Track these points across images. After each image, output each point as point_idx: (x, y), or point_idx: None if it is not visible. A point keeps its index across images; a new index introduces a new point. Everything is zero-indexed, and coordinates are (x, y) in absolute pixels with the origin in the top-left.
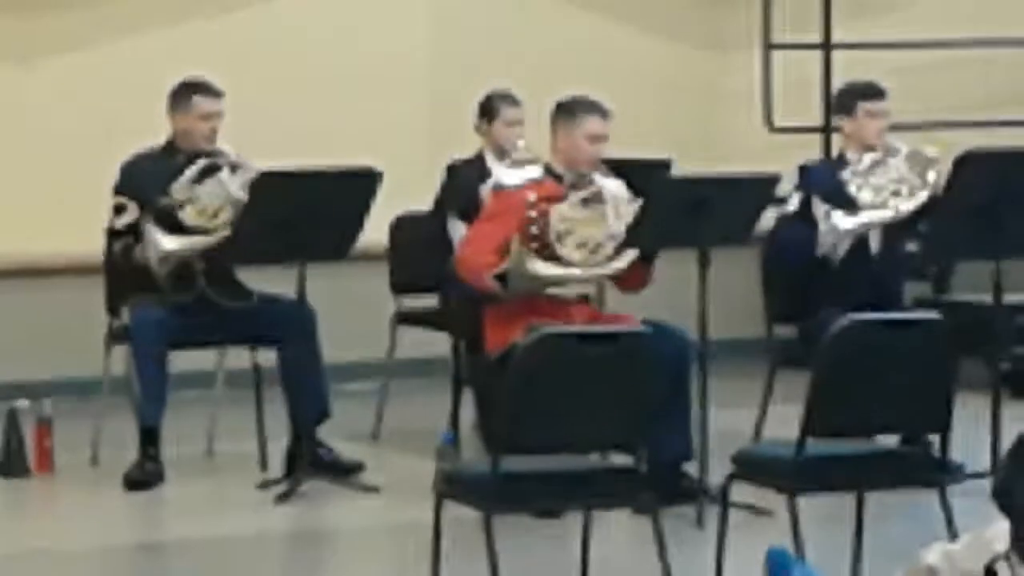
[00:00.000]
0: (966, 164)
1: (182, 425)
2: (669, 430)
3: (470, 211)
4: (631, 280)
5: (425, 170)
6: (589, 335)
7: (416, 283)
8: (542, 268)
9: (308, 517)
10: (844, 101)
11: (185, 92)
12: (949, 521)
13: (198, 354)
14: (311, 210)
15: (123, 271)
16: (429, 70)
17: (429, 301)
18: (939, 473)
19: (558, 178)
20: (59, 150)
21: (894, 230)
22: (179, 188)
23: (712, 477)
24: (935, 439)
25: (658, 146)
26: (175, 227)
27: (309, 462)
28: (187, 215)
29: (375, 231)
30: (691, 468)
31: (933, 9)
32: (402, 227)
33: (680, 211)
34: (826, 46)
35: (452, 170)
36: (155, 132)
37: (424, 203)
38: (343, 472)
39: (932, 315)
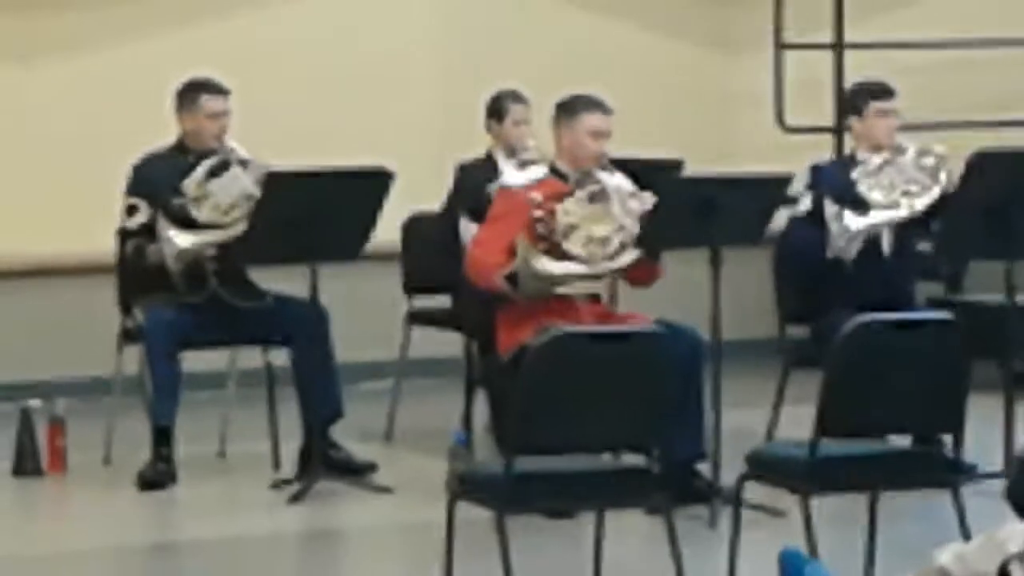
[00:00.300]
0: (979, 164)
1: (195, 425)
2: (682, 430)
3: (480, 211)
4: (640, 275)
5: (437, 170)
6: (601, 335)
7: (428, 283)
8: (549, 266)
9: (321, 517)
10: (854, 101)
11: (192, 92)
12: (962, 522)
13: (211, 354)
14: (323, 210)
15: (136, 271)
16: (440, 70)
17: (442, 301)
18: (952, 474)
19: (563, 176)
20: (67, 150)
21: (906, 230)
22: (191, 185)
23: (725, 477)
24: (948, 439)
25: (670, 147)
26: (188, 224)
27: (322, 462)
28: (201, 212)
29: (387, 231)
30: (704, 468)
31: (945, 9)
32: (414, 227)
33: (692, 211)
34: (838, 46)
35: (462, 170)
36: (161, 132)
37: (436, 203)
38: (356, 472)
39: (945, 315)
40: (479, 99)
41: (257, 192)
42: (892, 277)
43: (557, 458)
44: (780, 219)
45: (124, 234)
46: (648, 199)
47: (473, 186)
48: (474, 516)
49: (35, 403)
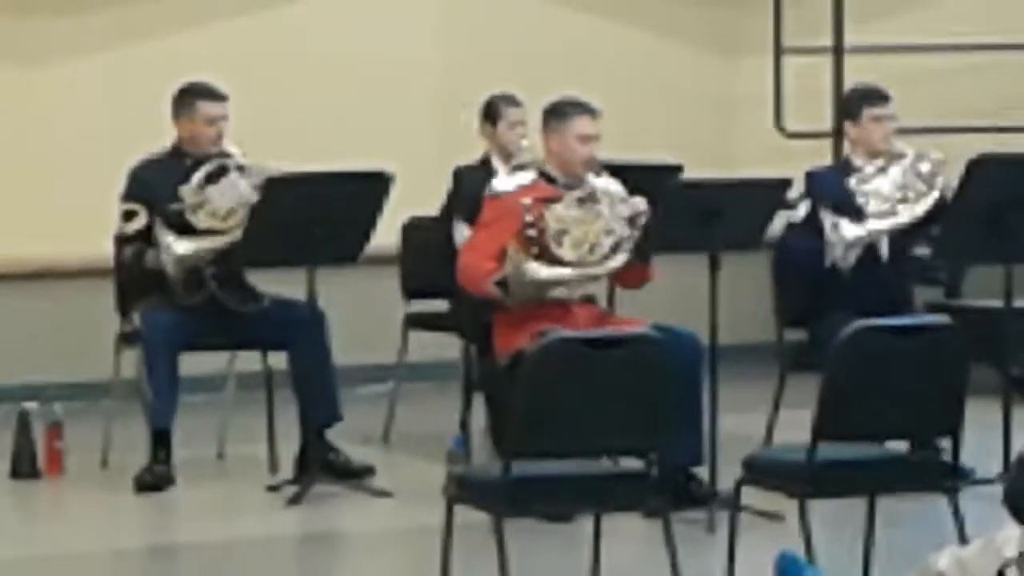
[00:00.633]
0: (978, 169)
1: (193, 428)
2: (679, 434)
3: (476, 216)
4: (630, 277)
5: (437, 173)
6: (599, 340)
7: (427, 287)
8: (539, 271)
9: (318, 520)
10: (849, 106)
11: (188, 97)
12: (960, 526)
13: (209, 357)
14: (322, 213)
15: (134, 276)
16: (440, 73)
17: (440, 305)
18: (950, 478)
19: (552, 181)
20: (67, 153)
21: (904, 235)
22: (189, 192)
23: (723, 481)
24: (946, 444)
25: (669, 151)
26: (186, 230)
27: (319, 466)
28: (199, 218)
29: (386, 234)
30: (702, 472)
31: (944, 13)
32: (413, 230)
33: (691, 216)
34: (837, 50)
35: (458, 175)
36: (161, 136)
37: (435, 207)
38: (354, 476)
39: (942, 320)
40: (479, 103)
41: (255, 198)
42: (890, 282)
43: (555, 462)
44: (779, 223)
45: (122, 239)
46: (639, 203)
47: (469, 191)
48: (472, 520)
49: (33, 406)
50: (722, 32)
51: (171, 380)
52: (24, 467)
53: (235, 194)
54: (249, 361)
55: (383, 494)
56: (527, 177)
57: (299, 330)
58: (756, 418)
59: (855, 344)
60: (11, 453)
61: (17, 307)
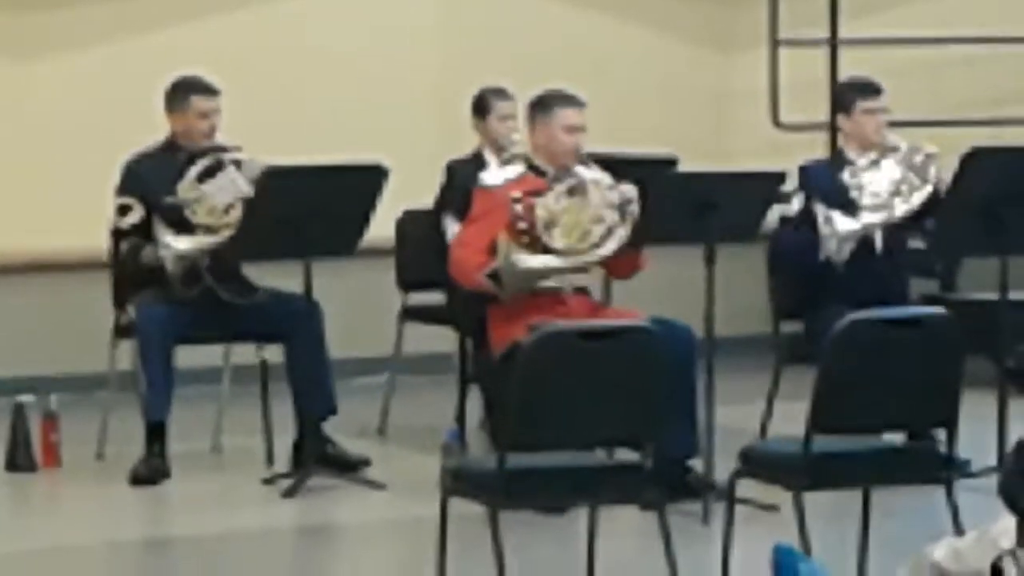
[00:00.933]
0: (973, 161)
1: (188, 421)
2: (675, 426)
3: (467, 209)
4: (621, 266)
5: (433, 166)
6: (594, 332)
7: (423, 279)
8: (529, 260)
9: (314, 513)
10: (841, 99)
11: (181, 91)
12: (955, 518)
13: (204, 350)
14: (318, 206)
15: (130, 271)
16: (435, 66)
17: (436, 297)
18: (945, 470)
19: (541, 173)
20: (63, 146)
21: (898, 228)
22: (186, 187)
23: (718, 473)
24: (941, 435)
25: (664, 143)
26: (183, 226)
27: (315, 458)
28: (197, 214)
29: (382, 227)
30: (697, 464)
31: (940, 6)
32: (409, 223)
33: (686, 208)
34: (833, 43)
35: (450, 169)
36: (158, 129)
37: (431, 199)
38: (349, 468)
39: (938, 312)
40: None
41: (250, 192)
42: (885, 274)
43: (550, 454)
44: (775, 216)
45: (118, 233)
46: (628, 190)
47: (461, 185)
48: (467, 512)
49: (29, 398)
50: (717, 25)
51: (166, 373)
52: (20, 459)
53: (233, 190)
54: (245, 354)
55: (379, 486)
56: (516, 170)
57: (295, 323)
58: (752, 410)
59: (850, 336)
60: (7, 445)
61: (12, 300)
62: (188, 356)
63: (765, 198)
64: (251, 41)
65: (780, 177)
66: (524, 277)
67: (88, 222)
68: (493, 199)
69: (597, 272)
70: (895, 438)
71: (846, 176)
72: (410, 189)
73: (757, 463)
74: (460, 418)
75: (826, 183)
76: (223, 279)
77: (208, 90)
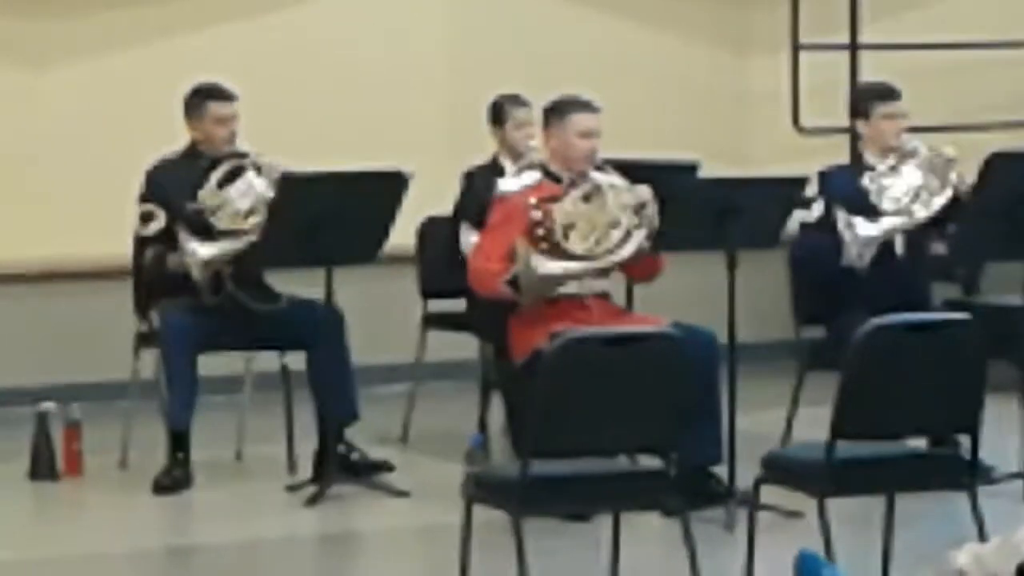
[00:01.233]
0: (994, 165)
1: (211, 429)
2: (698, 433)
3: (484, 218)
4: (640, 269)
5: (453, 173)
6: (616, 338)
7: (444, 286)
8: (548, 266)
9: (337, 520)
10: (860, 104)
11: (198, 98)
12: (979, 523)
13: (227, 357)
14: (339, 213)
15: (154, 278)
16: (455, 72)
17: (458, 304)
18: (969, 475)
19: (557, 179)
20: (83, 153)
21: (919, 232)
22: (208, 194)
23: (741, 480)
24: (965, 441)
25: (685, 148)
26: (206, 232)
27: (338, 465)
28: (220, 220)
29: (403, 234)
30: (720, 471)
31: (960, 10)
32: (430, 230)
33: (707, 214)
34: (853, 47)
35: (468, 177)
36: (176, 135)
37: (452, 206)
38: (372, 475)
39: (960, 316)
40: None
41: (271, 196)
42: (907, 279)
43: (573, 461)
44: (795, 221)
45: (141, 241)
46: (643, 191)
47: (478, 193)
48: (490, 519)
49: (51, 407)
50: (737, 29)
51: (189, 381)
52: (43, 468)
53: (253, 193)
54: (267, 361)
55: (401, 494)
56: (532, 177)
57: (317, 330)
58: (774, 416)
59: (873, 342)
60: (30, 454)
61: (35, 308)
62: (211, 364)
63: (786, 203)
64: (269, 48)
65: (801, 182)
66: (543, 282)
67: (110, 230)
68: (510, 207)
69: (618, 278)
70: (918, 444)
71: (866, 181)
72: (431, 196)
73: (780, 469)
74: (482, 425)
75: (846, 188)
76: (246, 287)
77: (225, 96)
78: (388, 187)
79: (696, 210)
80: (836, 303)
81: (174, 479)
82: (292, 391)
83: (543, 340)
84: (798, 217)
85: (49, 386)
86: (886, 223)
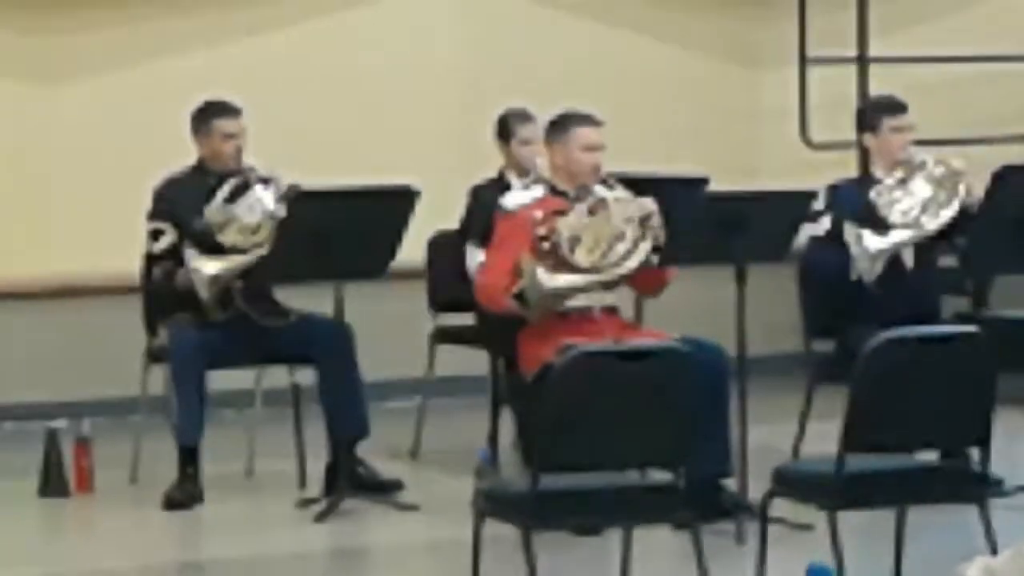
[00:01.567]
0: (1003, 178)
1: (221, 444)
2: (708, 446)
3: (490, 233)
4: (647, 282)
5: (462, 188)
6: (625, 352)
7: (454, 301)
8: (554, 280)
9: (347, 535)
10: (868, 118)
11: (204, 115)
12: (990, 536)
13: (236, 373)
14: (348, 228)
15: (164, 295)
16: (464, 87)
17: (467, 319)
18: (979, 488)
19: (561, 194)
20: (94, 170)
21: (928, 245)
22: (214, 211)
23: (751, 493)
24: (975, 454)
25: (694, 163)
26: (214, 249)
27: (348, 480)
28: (227, 236)
29: (413, 249)
30: (730, 484)
31: (968, 23)
32: (440, 245)
33: (716, 228)
34: (862, 60)
35: (474, 192)
36: (189, 152)
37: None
38: (382, 490)
39: (970, 329)
40: None
41: (280, 210)
42: (916, 292)
43: (583, 475)
44: (805, 234)
45: (151, 258)
46: (647, 203)
47: (484, 208)
48: (501, 533)
49: (62, 423)
50: (746, 43)
51: (199, 396)
52: (54, 485)
53: (260, 208)
54: (277, 377)
55: (412, 508)
56: (536, 192)
57: (326, 345)
58: (784, 429)
59: (883, 355)
60: (40, 471)
61: (45, 324)
62: (220, 380)
63: (795, 217)
64: (277, 65)
65: (809, 196)
66: (550, 296)
67: (119, 246)
68: (515, 222)
69: (627, 293)
70: (928, 457)
71: (874, 195)
72: (440, 211)
73: (790, 483)
74: (493, 439)
75: (855, 202)
76: (255, 302)
77: (231, 112)
78: (397, 202)
79: (705, 224)
80: (846, 316)
81: (185, 494)
82: (302, 406)
83: (552, 354)
84: (806, 231)
85: (59, 403)
86: (895, 236)
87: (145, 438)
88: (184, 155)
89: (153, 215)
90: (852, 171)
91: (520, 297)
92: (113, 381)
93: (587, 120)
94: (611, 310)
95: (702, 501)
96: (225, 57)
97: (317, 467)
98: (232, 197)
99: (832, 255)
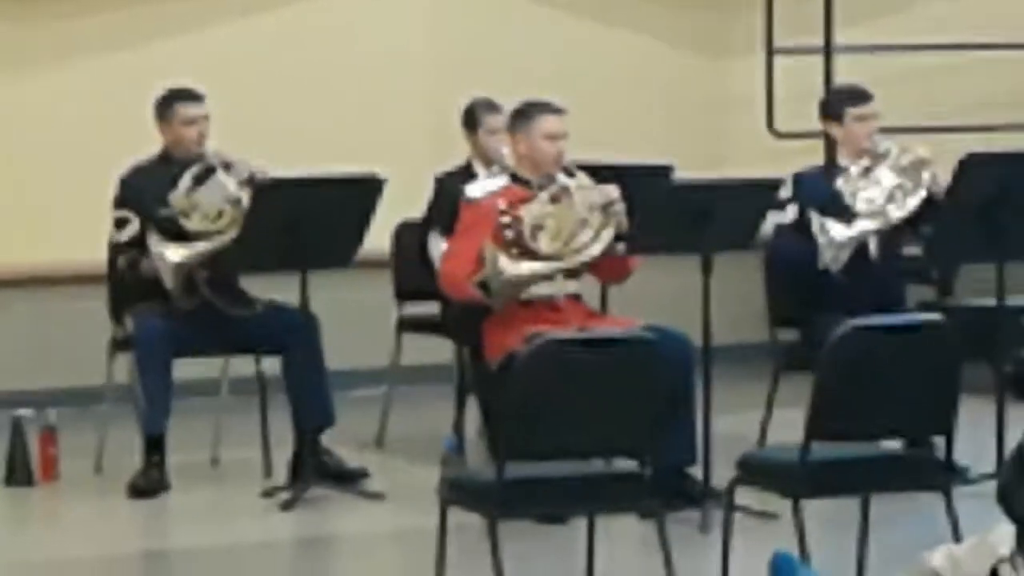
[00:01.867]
0: (968, 167)
1: (186, 433)
2: (673, 435)
3: (454, 223)
4: (610, 270)
5: (429, 176)
6: (590, 341)
7: (419, 290)
8: (516, 267)
9: (313, 524)
10: (832, 108)
11: (167, 102)
12: (954, 524)
13: (202, 362)
14: (314, 217)
15: (129, 284)
16: (430, 76)
17: (433, 308)
18: (944, 476)
19: (524, 183)
20: (57, 160)
21: (893, 234)
22: (178, 198)
23: (717, 481)
24: (940, 442)
25: (660, 152)
26: (179, 236)
27: (313, 469)
28: (191, 223)
29: (378, 238)
30: (696, 472)
31: (934, 13)
32: (405, 234)
33: (682, 217)
34: (828, 50)
35: (440, 182)
36: (153, 141)
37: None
38: (347, 479)
39: (935, 318)
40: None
41: (241, 194)
42: (882, 281)
43: (549, 464)
44: (771, 223)
45: (116, 247)
46: (610, 190)
47: (449, 198)
48: (466, 522)
49: (27, 412)
50: (712, 33)
51: (164, 385)
52: (18, 473)
53: (222, 193)
54: (242, 366)
55: (377, 497)
56: (500, 182)
57: (292, 334)
58: (750, 418)
59: (848, 343)
60: (5, 459)
61: (10, 313)
62: (186, 368)
63: (761, 206)
64: (244, 53)
65: (775, 185)
66: (512, 284)
67: (84, 235)
68: (478, 211)
69: (592, 281)
70: (893, 445)
71: (840, 183)
72: (406, 200)
73: (755, 471)
74: (458, 428)
75: (820, 192)
76: (220, 291)
77: (192, 97)
78: (363, 191)
79: (671, 213)
80: (811, 305)
81: (150, 483)
82: (268, 395)
83: (517, 342)
84: (772, 219)
85: (25, 391)
86: (860, 226)
87: (111, 427)
88: (149, 144)
89: (118, 204)
90: (818, 160)
91: (483, 285)
92: (78, 370)
93: (549, 109)
94: (575, 298)
95: (667, 489)
96: (191, 46)
97: (283, 456)
98: (197, 183)
99: (798, 244)
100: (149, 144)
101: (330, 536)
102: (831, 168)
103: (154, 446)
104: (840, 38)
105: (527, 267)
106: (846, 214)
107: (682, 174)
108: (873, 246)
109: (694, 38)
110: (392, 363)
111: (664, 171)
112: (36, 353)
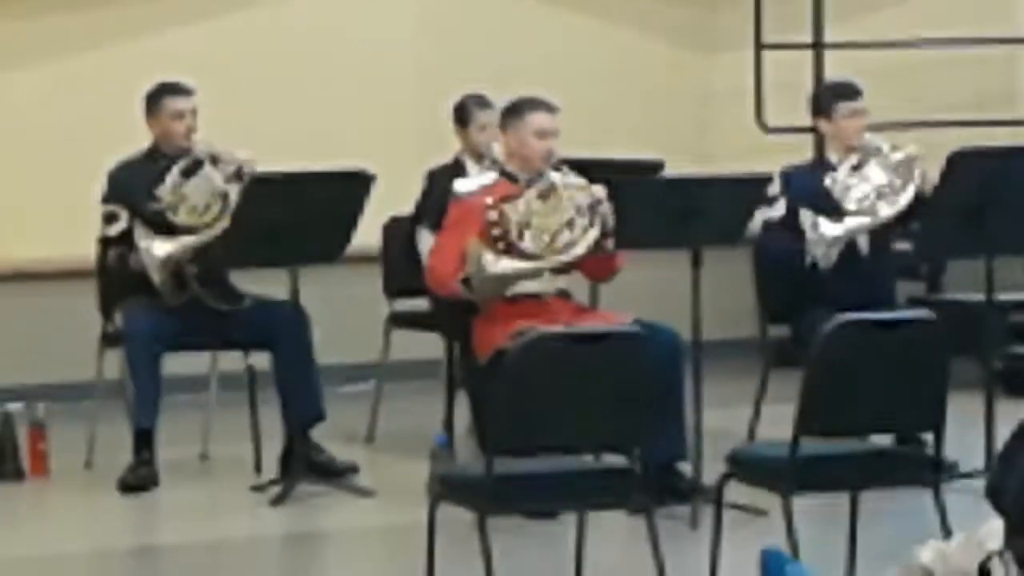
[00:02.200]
0: (956, 163)
1: (176, 428)
2: (662, 430)
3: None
4: (597, 268)
5: (418, 172)
6: (579, 336)
7: (409, 285)
8: (498, 265)
9: (302, 520)
10: (821, 103)
11: (155, 96)
12: (943, 520)
13: (192, 357)
14: (304, 213)
15: (118, 278)
16: (420, 72)
17: (422, 303)
18: (933, 472)
19: (514, 179)
20: (48, 154)
21: (883, 230)
22: (166, 191)
23: (706, 477)
24: (929, 438)
25: (650, 147)
26: (168, 231)
27: (303, 465)
28: (179, 217)
29: (368, 234)
30: (685, 468)
31: (923, 9)
32: (395, 229)
33: (671, 212)
34: (817, 46)
35: (430, 177)
36: (142, 136)
37: None
38: (337, 475)
39: (924, 314)
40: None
41: (229, 188)
42: (871, 277)
43: (538, 459)
44: (760, 219)
45: (105, 242)
46: (598, 190)
47: (439, 193)
48: (456, 517)
49: (16, 407)
50: (701, 28)
51: (154, 380)
52: (8, 468)
53: (210, 187)
54: (232, 361)
55: (367, 493)
56: (489, 177)
57: (282, 330)
58: (739, 414)
59: (837, 339)
60: None
61: (0, 309)
62: (176, 364)
63: (750, 202)
64: (233, 48)
65: (764, 181)
66: (495, 282)
67: (74, 230)
68: (467, 207)
69: (581, 276)
70: (882, 441)
71: (829, 180)
72: (396, 196)
73: (745, 467)
74: (448, 424)
75: (809, 188)
76: (210, 287)
77: (181, 91)
78: (352, 187)
79: (660, 208)
80: (801, 301)
81: (140, 478)
82: (257, 391)
83: (506, 339)
84: (761, 214)
85: (14, 386)
86: (850, 222)
87: (100, 422)
88: (138, 140)
89: (107, 199)
90: (807, 156)
91: (467, 281)
92: (68, 365)
93: (541, 106)
94: (563, 294)
95: (657, 485)
96: (179, 42)
97: (272, 451)
98: (185, 177)
99: (787, 240)
100: (138, 140)
101: (320, 531)
102: (820, 164)
103: (144, 441)
104: (829, 33)
105: (510, 265)
106: (836, 211)
107: (671, 169)
108: (863, 242)
109: (683, 33)
110: (382, 359)
111: (654, 167)
112: (26, 348)
